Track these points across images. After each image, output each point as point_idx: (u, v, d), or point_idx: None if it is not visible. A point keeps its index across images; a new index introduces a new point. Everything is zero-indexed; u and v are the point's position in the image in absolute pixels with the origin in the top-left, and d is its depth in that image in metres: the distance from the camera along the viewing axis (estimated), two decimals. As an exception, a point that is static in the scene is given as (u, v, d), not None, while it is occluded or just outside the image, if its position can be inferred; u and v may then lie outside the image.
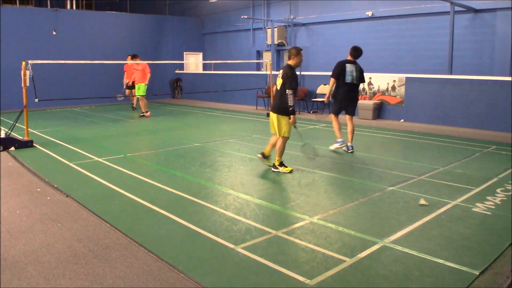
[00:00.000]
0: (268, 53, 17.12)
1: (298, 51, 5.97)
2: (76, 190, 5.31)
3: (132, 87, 13.47)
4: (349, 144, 7.65)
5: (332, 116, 7.93)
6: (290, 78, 5.83)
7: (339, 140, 7.78)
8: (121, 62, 12.65)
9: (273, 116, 6.15)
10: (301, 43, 16.37)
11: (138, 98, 12.91)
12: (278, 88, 6.07)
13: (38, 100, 8.40)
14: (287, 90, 5.82)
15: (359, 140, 9.01)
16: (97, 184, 5.62)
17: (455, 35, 11.23)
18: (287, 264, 3.32)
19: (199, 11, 20.46)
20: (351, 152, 7.55)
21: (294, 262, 3.37)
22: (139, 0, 21.53)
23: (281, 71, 6.10)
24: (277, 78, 6.15)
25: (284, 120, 6.02)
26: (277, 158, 6.21)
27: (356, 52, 7.64)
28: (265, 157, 6.38)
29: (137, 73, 12.59)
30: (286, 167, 6.20)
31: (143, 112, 12.64)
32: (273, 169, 6.24)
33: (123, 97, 13.10)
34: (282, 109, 5.99)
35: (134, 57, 12.66)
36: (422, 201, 4.72)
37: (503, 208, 4.62)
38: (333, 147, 7.84)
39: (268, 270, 3.24)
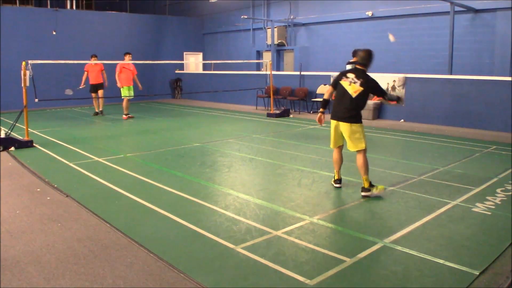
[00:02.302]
0: (268, 53, 17.13)
1: None
2: (76, 190, 5.31)
3: (95, 89, 12.75)
4: None
5: None
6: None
7: None
8: (122, 62, 12.63)
9: (344, 126, 5.11)
10: (301, 43, 16.38)
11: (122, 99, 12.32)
12: (354, 95, 5.01)
13: (38, 100, 8.40)
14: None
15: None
16: (97, 184, 5.61)
17: (455, 35, 11.23)
18: (287, 264, 3.32)
19: (199, 11, 20.47)
20: None
21: (294, 262, 3.37)
22: (139, 0, 21.54)
23: (352, 75, 5.08)
24: (353, 84, 5.05)
25: (360, 128, 5.08)
26: (365, 177, 5.03)
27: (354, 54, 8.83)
28: (340, 181, 5.42)
29: (129, 73, 12.07)
30: (377, 186, 5.09)
31: (128, 114, 12.39)
32: (364, 193, 5.02)
33: (72, 93, 12.53)
34: (355, 117, 5.06)
35: (130, 55, 12.15)
36: (391, 37, 4.54)
37: (503, 208, 4.62)
38: None
39: (268, 270, 3.24)
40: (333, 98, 5.36)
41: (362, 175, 5.06)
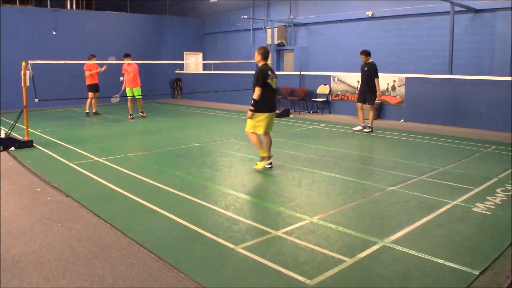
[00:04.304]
0: (268, 53, 17.10)
1: None
2: (76, 190, 5.31)
3: (95, 89, 12.78)
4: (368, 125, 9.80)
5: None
6: None
7: (362, 124, 9.86)
8: (121, 62, 12.63)
9: (274, 114, 6.30)
10: (301, 43, 16.38)
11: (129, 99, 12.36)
12: (274, 87, 6.22)
13: (38, 100, 8.40)
14: None
15: (359, 140, 9.02)
16: (97, 184, 5.62)
17: (455, 35, 11.23)
18: (287, 264, 3.32)
19: (199, 11, 20.47)
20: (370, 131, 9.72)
21: (294, 262, 3.37)
22: (139, 0, 21.54)
23: (270, 72, 6.11)
24: (274, 79, 6.18)
25: None
26: (267, 152, 6.30)
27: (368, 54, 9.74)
28: (268, 158, 6.29)
29: (128, 74, 12.00)
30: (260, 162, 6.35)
31: (141, 112, 12.64)
32: (267, 165, 6.26)
33: (119, 99, 12.61)
34: None
35: (126, 57, 12.14)
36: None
37: (503, 208, 4.62)
38: (356, 128, 9.91)
39: (268, 270, 3.24)
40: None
41: (267, 150, 6.26)
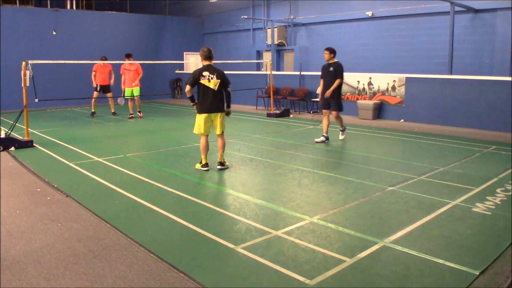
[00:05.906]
0: (268, 53, 17.12)
1: None
2: (76, 190, 5.31)
3: (102, 90, 12.73)
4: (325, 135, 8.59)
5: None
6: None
7: (325, 134, 8.59)
8: (121, 62, 12.63)
9: (216, 115, 6.19)
10: (301, 43, 16.38)
11: (128, 99, 12.42)
12: (216, 88, 6.07)
13: (38, 100, 8.40)
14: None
15: (359, 140, 9.01)
16: (97, 184, 5.62)
17: (455, 35, 11.23)
18: (287, 264, 3.32)
19: (199, 11, 20.47)
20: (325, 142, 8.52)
21: (294, 262, 3.37)
22: (139, 0, 21.53)
23: (207, 72, 6.04)
24: (212, 80, 6.05)
25: (224, 114, 6.33)
26: (222, 154, 6.35)
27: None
28: (208, 165, 6.31)
29: (131, 73, 12.14)
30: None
31: (138, 112, 12.64)
32: (220, 166, 6.33)
33: (124, 100, 12.62)
34: (222, 106, 6.28)
35: (128, 56, 12.30)
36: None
37: (503, 208, 4.62)
38: (319, 139, 8.54)
39: (268, 270, 3.24)
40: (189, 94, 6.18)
41: (221, 153, 6.33)
